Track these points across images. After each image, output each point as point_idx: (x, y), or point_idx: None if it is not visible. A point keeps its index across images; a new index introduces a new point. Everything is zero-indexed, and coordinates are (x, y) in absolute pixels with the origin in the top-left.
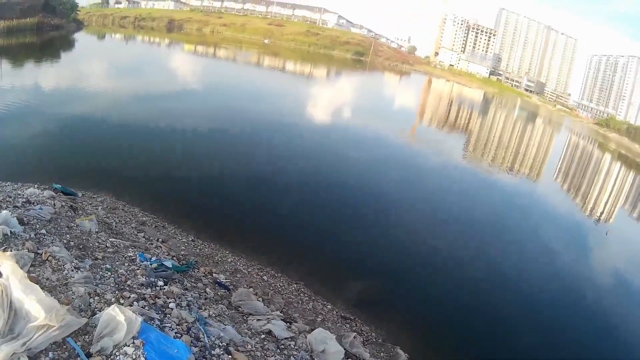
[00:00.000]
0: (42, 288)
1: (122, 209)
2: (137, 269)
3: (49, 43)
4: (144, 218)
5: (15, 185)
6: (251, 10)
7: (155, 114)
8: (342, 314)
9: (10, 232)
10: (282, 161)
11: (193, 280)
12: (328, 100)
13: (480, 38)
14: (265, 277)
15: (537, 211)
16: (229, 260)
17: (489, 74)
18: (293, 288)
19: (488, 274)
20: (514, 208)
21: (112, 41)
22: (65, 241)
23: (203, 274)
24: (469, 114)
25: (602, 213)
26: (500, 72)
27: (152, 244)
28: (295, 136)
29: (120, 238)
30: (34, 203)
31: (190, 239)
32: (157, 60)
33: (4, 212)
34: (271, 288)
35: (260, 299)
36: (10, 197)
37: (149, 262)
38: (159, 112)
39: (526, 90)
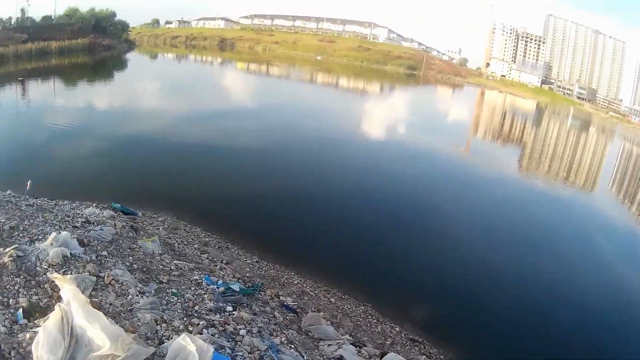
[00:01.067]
0: (105, 314)
1: (184, 229)
2: (205, 293)
3: (101, 63)
4: (207, 238)
5: (73, 204)
6: (302, 27)
7: (213, 132)
8: (411, 336)
9: (70, 254)
10: (340, 179)
11: (261, 304)
12: (383, 117)
13: (530, 46)
14: (332, 300)
15: (592, 222)
16: (295, 282)
17: (541, 83)
18: (361, 310)
19: (547, 290)
20: (570, 220)
21: (165, 60)
22: (128, 263)
23: (270, 297)
24: (522, 125)
25: None
26: (551, 80)
27: (216, 265)
28: (351, 153)
29: (183, 260)
30: (93, 223)
31: (254, 260)
32: (211, 78)
33: (64, 233)
34: (339, 311)
35: (329, 322)
36: (69, 217)
37: (215, 286)
38: (216, 130)
39: (578, 98)
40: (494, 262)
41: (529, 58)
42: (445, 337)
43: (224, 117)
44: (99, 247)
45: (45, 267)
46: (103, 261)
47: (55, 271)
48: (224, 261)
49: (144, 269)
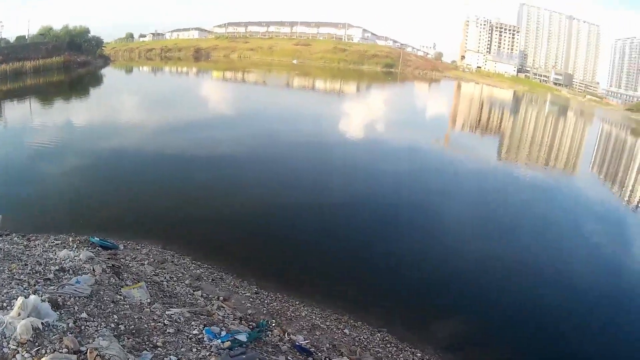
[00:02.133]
0: None
1: (172, 261)
2: (209, 355)
3: (77, 80)
4: (198, 270)
5: (46, 244)
6: (276, 33)
7: (193, 148)
8: None
9: (43, 323)
10: (325, 186)
11: (271, 349)
12: (361, 117)
13: (505, 37)
14: (346, 331)
15: (575, 204)
16: (303, 314)
17: (517, 72)
18: (378, 338)
19: (544, 277)
20: (553, 203)
21: (140, 74)
22: (113, 325)
23: (279, 337)
24: (500, 115)
25: None
26: (527, 68)
27: (212, 304)
28: (332, 157)
29: (175, 302)
30: (68, 271)
31: (253, 290)
32: (186, 89)
33: (32, 297)
34: (356, 343)
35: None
36: (41, 265)
37: (219, 340)
38: (197, 145)
39: (555, 84)
40: (489, 258)
41: (504, 48)
42: (467, 355)
43: (202, 129)
44: (77, 307)
45: (14, 346)
46: (83, 327)
47: (27, 351)
48: (221, 297)
49: (134, 331)
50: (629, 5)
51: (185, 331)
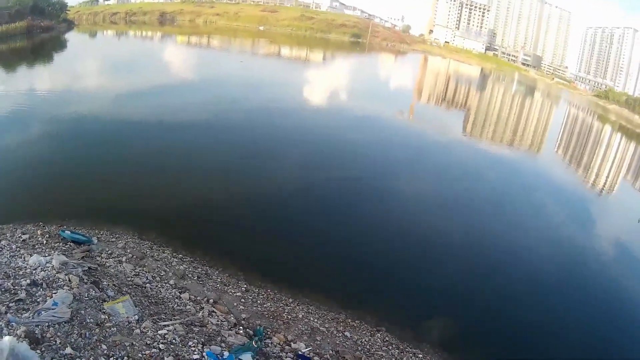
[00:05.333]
0: None
1: (151, 256)
2: None
3: (40, 46)
4: (181, 266)
5: (13, 245)
6: None
7: (168, 120)
8: None
9: None
10: (312, 166)
11: None
12: (332, 85)
13: (474, 14)
14: (347, 333)
15: (540, 184)
16: (300, 315)
17: (485, 50)
18: (378, 339)
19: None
20: (517, 182)
21: (104, 38)
22: (103, 359)
23: (279, 346)
24: (467, 91)
25: (604, 184)
26: (496, 47)
27: (202, 307)
28: (300, 126)
29: (163, 310)
30: (41, 285)
31: (243, 288)
32: (151, 55)
33: (7, 338)
34: (359, 348)
35: None
36: (9, 279)
37: None
38: (172, 117)
39: (523, 64)
40: (452, 234)
41: (473, 25)
42: (460, 348)
43: (172, 98)
44: (58, 341)
45: None
46: None
47: None
48: (211, 300)
49: None
50: None
51: (184, 356)
